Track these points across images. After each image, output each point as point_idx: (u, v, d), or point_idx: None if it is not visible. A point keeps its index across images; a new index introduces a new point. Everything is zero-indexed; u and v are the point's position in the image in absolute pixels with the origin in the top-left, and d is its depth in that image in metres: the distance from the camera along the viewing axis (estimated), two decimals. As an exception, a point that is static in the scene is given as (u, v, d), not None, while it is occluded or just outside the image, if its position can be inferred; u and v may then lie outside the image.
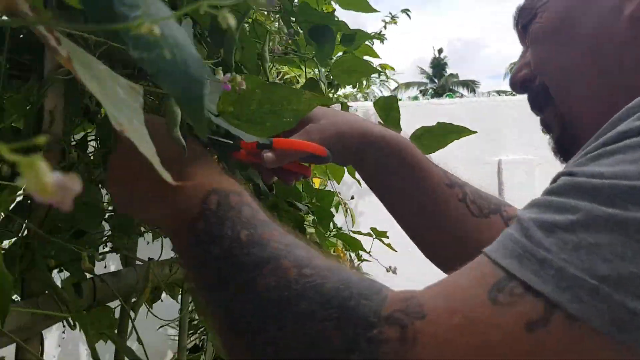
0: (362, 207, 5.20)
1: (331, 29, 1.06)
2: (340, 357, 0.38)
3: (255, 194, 1.12)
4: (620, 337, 0.33)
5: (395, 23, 5.34)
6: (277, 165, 0.75)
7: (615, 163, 0.37)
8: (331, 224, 1.48)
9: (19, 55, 0.78)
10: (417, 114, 5.34)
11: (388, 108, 1.08)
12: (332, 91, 5.37)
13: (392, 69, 5.45)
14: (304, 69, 1.14)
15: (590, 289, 0.33)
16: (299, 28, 1.07)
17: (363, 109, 5.57)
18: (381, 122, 1.12)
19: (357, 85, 5.28)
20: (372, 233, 1.65)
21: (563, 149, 0.68)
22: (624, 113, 0.41)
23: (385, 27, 5.41)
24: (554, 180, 0.42)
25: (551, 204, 0.39)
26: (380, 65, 5.43)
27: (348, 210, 3.41)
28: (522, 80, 0.71)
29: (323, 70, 1.17)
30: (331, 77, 1.32)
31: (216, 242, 0.47)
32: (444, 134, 1.10)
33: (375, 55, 1.50)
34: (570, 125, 0.65)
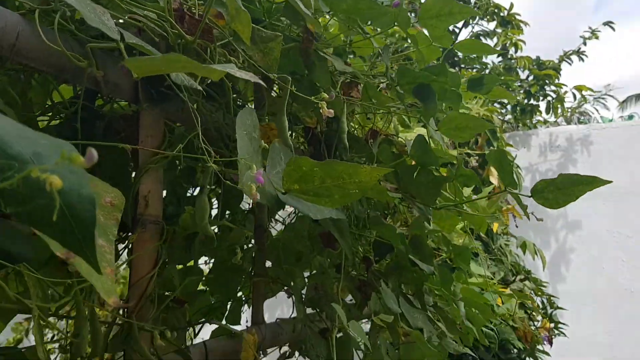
0: (571, 242, 4.72)
1: (432, 87, 1.01)
2: None
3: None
4: None
5: (597, 38, 4.84)
6: None
7: None
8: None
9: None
10: (633, 136, 4.69)
11: (500, 161, 0.98)
12: (528, 118, 5.06)
13: (589, 89, 4.91)
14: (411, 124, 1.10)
15: None
16: (398, 88, 1.04)
17: (566, 134, 5.10)
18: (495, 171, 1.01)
19: (551, 110, 4.86)
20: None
21: None
22: None
23: (584, 44, 4.93)
24: None
25: None
26: (575, 87, 4.93)
27: (537, 252, 3.12)
28: None
29: (433, 127, 1.10)
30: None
31: None
32: (570, 186, 0.96)
33: (512, 98, 1.36)
34: None
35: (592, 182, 0.97)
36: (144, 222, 0.86)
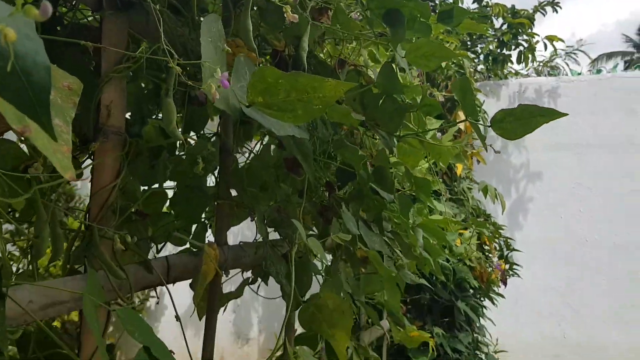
0: (531, 192, 4.86)
1: (402, 12, 1.01)
2: None
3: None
4: None
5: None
6: None
7: None
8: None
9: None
10: (600, 90, 4.77)
11: (463, 91, 1.00)
12: (499, 68, 5.08)
13: (560, 40, 4.94)
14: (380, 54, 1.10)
15: None
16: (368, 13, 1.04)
17: (535, 85, 5.17)
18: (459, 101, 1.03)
19: (522, 60, 4.89)
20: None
21: None
22: None
23: (560, -7, 4.90)
24: None
25: None
26: (546, 37, 4.96)
27: (497, 196, 3.22)
28: None
29: (400, 54, 1.11)
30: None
31: None
32: (528, 117, 0.98)
33: (483, 31, 1.37)
34: None
35: (549, 114, 0.99)
36: (105, 132, 0.86)
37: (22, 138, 0.82)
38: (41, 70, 0.37)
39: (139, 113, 1.14)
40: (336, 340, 1.10)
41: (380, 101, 1.12)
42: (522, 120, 1.00)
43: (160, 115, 1.30)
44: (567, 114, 0.98)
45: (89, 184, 0.92)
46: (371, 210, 1.26)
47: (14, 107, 0.39)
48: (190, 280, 1.14)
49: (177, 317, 0.89)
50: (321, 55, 1.41)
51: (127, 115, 1.11)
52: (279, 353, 1.44)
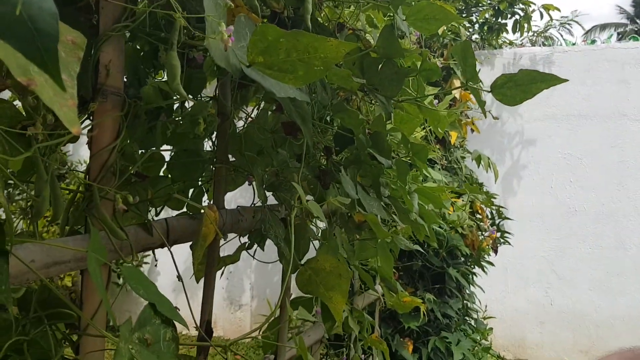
0: (524, 161, 4.89)
1: (402, -29, 1.00)
2: None
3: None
4: None
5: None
6: None
7: None
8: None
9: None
10: (593, 61, 4.77)
11: (464, 55, 0.99)
12: (494, 37, 5.04)
13: (556, 9, 4.90)
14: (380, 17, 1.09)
15: None
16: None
17: (529, 55, 5.15)
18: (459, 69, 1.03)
19: (518, 29, 4.86)
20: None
21: None
22: None
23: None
24: None
25: None
26: (543, 5, 4.91)
27: (491, 165, 3.23)
28: None
29: (402, 17, 1.10)
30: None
31: None
32: (529, 82, 0.98)
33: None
34: None
35: (549, 80, 0.99)
36: (104, 92, 0.85)
37: (20, 97, 0.81)
38: (47, 17, 0.36)
39: (135, 75, 1.13)
40: (333, 303, 1.11)
41: (380, 65, 1.12)
42: (522, 86, 0.99)
43: (157, 78, 1.29)
44: (567, 80, 0.98)
45: (81, 151, 0.91)
46: (369, 176, 1.27)
47: (18, 59, 0.38)
48: (187, 244, 1.15)
49: (179, 277, 0.90)
50: (319, 19, 1.40)
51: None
52: (272, 318, 1.45)
